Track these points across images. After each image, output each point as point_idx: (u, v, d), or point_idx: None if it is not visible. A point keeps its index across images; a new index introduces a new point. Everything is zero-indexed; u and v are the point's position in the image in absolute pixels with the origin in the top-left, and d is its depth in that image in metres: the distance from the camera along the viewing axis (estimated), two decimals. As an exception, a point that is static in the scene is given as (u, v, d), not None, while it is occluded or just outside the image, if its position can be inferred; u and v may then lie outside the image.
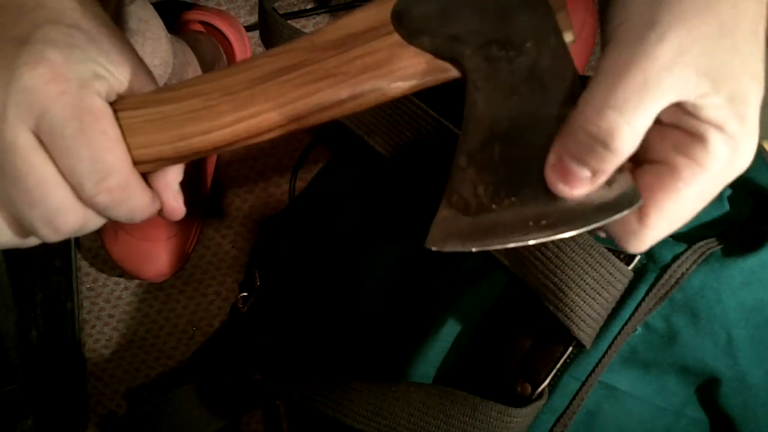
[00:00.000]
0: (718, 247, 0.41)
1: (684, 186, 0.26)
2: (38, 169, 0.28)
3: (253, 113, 0.29)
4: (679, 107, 0.25)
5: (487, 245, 0.26)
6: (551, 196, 0.26)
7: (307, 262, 0.62)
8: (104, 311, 0.83)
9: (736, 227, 0.43)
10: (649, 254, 0.41)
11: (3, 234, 0.31)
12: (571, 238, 0.40)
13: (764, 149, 0.50)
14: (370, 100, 0.30)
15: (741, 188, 0.45)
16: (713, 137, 0.25)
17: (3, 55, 0.28)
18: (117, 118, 0.30)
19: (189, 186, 0.77)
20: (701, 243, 0.41)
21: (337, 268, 0.56)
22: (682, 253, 0.41)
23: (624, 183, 0.26)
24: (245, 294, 0.72)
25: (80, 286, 0.82)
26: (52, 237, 0.30)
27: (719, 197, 0.44)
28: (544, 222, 0.26)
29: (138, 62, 0.32)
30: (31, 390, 0.69)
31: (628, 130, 0.25)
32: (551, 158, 0.26)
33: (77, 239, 0.81)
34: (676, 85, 0.24)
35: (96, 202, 0.29)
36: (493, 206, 0.27)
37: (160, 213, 0.33)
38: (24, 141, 0.28)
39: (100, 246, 0.80)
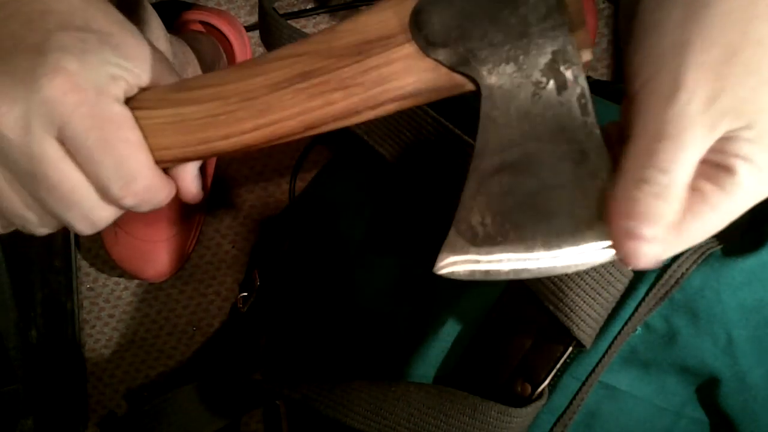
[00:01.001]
0: (718, 247, 0.41)
1: (709, 210, 0.27)
2: (70, 176, 0.29)
3: (270, 121, 0.30)
4: (715, 145, 0.26)
5: (492, 276, 0.27)
6: (555, 230, 0.27)
7: (307, 262, 0.62)
8: (104, 311, 0.83)
9: (736, 227, 0.43)
10: (649, 254, 0.41)
11: (41, 229, 0.32)
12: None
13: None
14: (385, 110, 0.30)
15: (741, 188, 0.45)
16: (741, 168, 0.26)
17: (21, 66, 0.28)
18: (137, 118, 0.30)
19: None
20: (701, 243, 0.41)
21: (337, 268, 0.56)
22: (682, 253, 0.41)
23: (611, 251, 0.27)
24: (245, 294, 0.72)
25: (80, 286, 0.82)
26: (89, 231, 0.32)
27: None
28: (547, 258, 0.27)
29: (152, 51, 0.32)
30: (31, 390, 0.69)
31: (675, 187, 0.26)
32: (618, 228, 0.27)
33: (77, 239, 0.81)
34: (711, 135, 0.25)
35: (122, 204, 0.30)
36: (499, 239, 0.27)
37: (180, 196, 0.34)
38: (52, 151, 0.28)
39: (100, 246, 0.80)
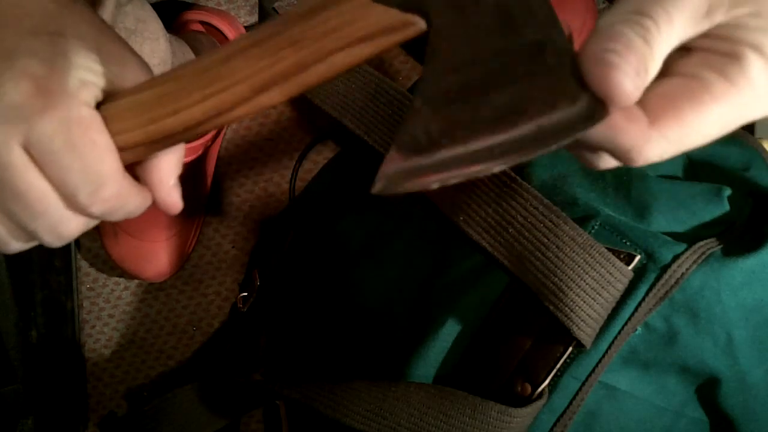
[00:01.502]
0: (718, 247, 0.41)
1: (710, 101, 0.24)
2: (36, 185, 0.28)
3: (219, 89, 0.29)
4: (716, 32, 0.24)
5: (436, 182, 0.25)
6: (508, 122, 0.25)
7: (307, 262, 0.62)
8: (104, 311, 0.83)
9: (736, 227, 0.43)
10: (649, 254, 0.41)
11: (10, 243, 0.31)
12: (571, 238, 0.40)
13: (764, 149, 0.50)
14: (337, 63, 0.29)
15: (741, 188, 0.45)
16: (750, 57, 0.24)
17: None
18: (102, 114, 0.29)
19: (189, 186, 0.77)
20: (701, 243, 0.41)
21: (336, 269, 0.56)
22: (682, 253, 0.41)
23: (588, 100, 0.24)
24: (245, 294, 0.72)
25: (80, 286, 0.82)
26: (57, 243, 0.31)
27: (719, 197, 0.44)
28: (497, 150, 0.24)
29: (129, 55, 0.32)
30: (31, 390, 0.69)
31: (658, 43, 0.24)
32: (588, 61, 0.24)
33: (77, 239, 0.81)
34: (709, 16, 0.24)
35: (91, 212, 0.30)
36: (444, 141, 0.25)
37: (158, 207, 0.33)
38: (18, 159, 0.28)
39: (100, 246, 0.80)
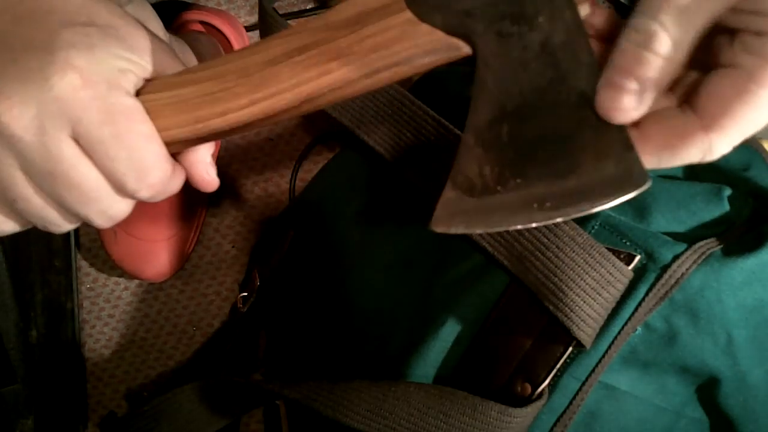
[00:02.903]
0: (718, 247, 0.41)
1: (757, 87, 0.24)
2: (89, 176, 0.29)
3: (267, 95, 0.30)
4: (742, 5, 0.24)
5: (491, 227, 0.26)
6: (557, 176, 0.26)
7: (306, 262, 0.62)
8: (104, 311, 0.83)
9: (736, 227, 0.43)
10: (649, 254, 0.41)
11: (63, 225, 0.32)
12: (571, 238, 0.40)
13: (764, 149, 0.50)
14: (382, 79, 0.30)
15: (741, 188, 0.45)
16: None
17: (30, 67, 0.28)
18: (141, 102, 0.30)
19: (189, 186, 0.77)
20: (701, 243, 0.41)
21: (336, 268, 0.56)
22: (682, 253, 0.41)
23: (631, 162, 0.25)
24: (245, 294, 0.72)
25: (80, 286, 0.82)
26: (107, 224, 0.32)
27: (719, 197, 0.44)
28: (548, 204, 0.25)
29: (156, 41, 0.32)
30: (31, 390, 0.69)
31: (673, 31, 0.24)
32: (601, 81, 0.26)
33: (77, 239, 0.81)
34: None
35: (139, 197, 0.31)
36: (498, 188, 0.27)
37: (195, 185, 0.35)
38: (70, 151, 0.29)
39: (100, 246, 0.80)
